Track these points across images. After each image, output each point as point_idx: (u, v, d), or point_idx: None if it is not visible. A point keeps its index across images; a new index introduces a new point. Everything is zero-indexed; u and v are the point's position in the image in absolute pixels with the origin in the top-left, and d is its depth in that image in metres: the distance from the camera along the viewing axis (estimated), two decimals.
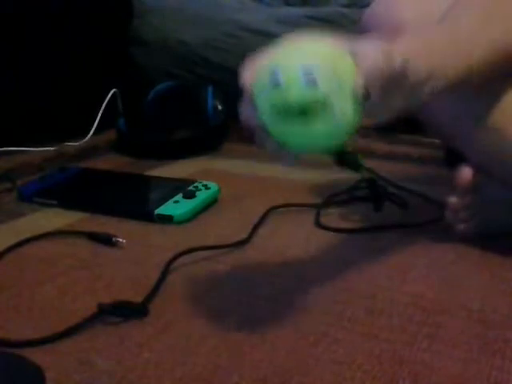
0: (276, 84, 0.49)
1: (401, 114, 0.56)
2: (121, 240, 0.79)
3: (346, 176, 1.05)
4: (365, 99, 0.50)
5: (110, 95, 1.34)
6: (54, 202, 0.94)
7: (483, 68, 0.61)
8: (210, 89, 1.30)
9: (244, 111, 0.53)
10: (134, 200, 0.97)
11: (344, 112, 0.49)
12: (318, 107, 0.48)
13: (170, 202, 0.91)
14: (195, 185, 0.97)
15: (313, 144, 0.51)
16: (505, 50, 0.63)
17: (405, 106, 0.55)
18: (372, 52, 0.51)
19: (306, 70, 0.48)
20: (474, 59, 0.60)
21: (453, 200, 0.75)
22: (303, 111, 0.48)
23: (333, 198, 0.93)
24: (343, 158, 0.80)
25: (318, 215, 0.87)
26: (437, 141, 1.05)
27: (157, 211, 0.88)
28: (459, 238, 0.77)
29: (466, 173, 0.73)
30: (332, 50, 0.51)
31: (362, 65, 0.50)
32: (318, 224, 0.85)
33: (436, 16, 0.63)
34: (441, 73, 0.56)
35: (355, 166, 0.97)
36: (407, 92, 0.54)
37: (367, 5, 1.45)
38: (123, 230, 0.83)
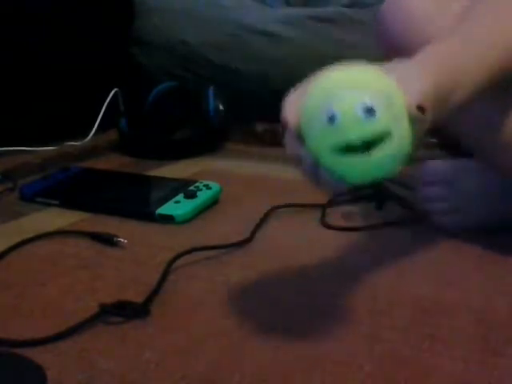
0: (331, 122, 0.46)
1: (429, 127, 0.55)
2: (122, 240, 0.79)
3: None
4: (416, 119, 0.48)
5: (111, 95, 1.35)
6: (56, 202, 0.95)
7: (501, 71, 0.60)
8: (211, 89, 1.30)
9: (290, 146, 0.51)
10: (135, 200, 0.97)
11: (403, 135, 0.48)
12: (379, 137, 0.46)
13: (172, 202, 0.91)
14: (196, 185, 0.97)
15: (373, 173, 0.49)
16: None
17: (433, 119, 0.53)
18: (410, 75, 0.50)
19: (362, 102, 0.46)
20: (492, 65, 0.59)
21: (423, 190, 0.78)
22: (364, 145, 0.46)
23: (336, 197, 0.93)
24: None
25: (323, 214, 0.87)
26: (435, 140, 1.05)
27: (158, 211, 0.88)
28: (443, 230, 0.78)
29: (430, 166, 0.76)
30: (376, 75, 0.48)
31: (407, 88, 0.48)
32: (324, 223, 0.85)
33: (450, 8, 0.63)
34: (463, 84, 0.55)
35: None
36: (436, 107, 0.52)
37: (368, 5, 1.46)
38: (125, 229, 0.83)
